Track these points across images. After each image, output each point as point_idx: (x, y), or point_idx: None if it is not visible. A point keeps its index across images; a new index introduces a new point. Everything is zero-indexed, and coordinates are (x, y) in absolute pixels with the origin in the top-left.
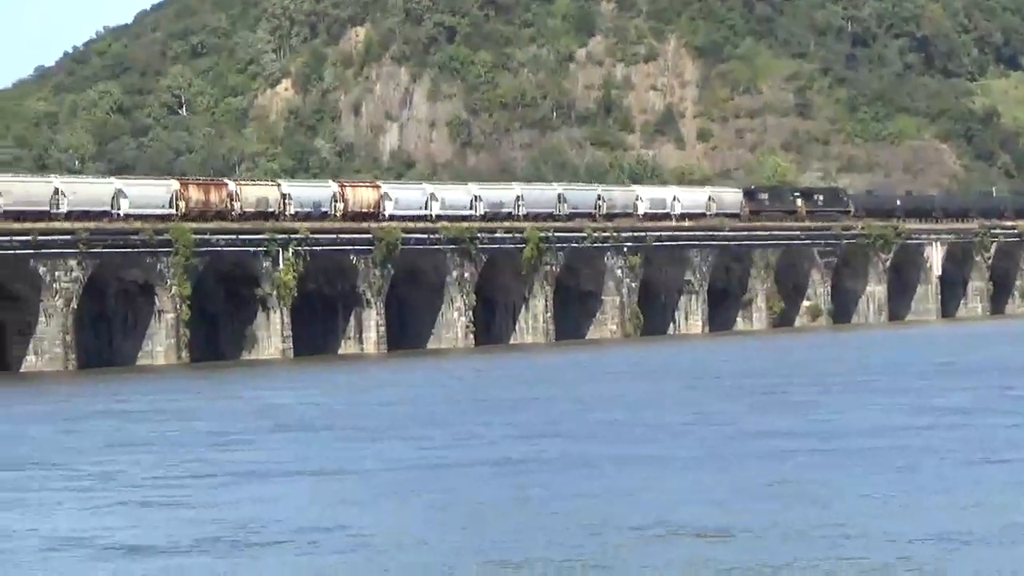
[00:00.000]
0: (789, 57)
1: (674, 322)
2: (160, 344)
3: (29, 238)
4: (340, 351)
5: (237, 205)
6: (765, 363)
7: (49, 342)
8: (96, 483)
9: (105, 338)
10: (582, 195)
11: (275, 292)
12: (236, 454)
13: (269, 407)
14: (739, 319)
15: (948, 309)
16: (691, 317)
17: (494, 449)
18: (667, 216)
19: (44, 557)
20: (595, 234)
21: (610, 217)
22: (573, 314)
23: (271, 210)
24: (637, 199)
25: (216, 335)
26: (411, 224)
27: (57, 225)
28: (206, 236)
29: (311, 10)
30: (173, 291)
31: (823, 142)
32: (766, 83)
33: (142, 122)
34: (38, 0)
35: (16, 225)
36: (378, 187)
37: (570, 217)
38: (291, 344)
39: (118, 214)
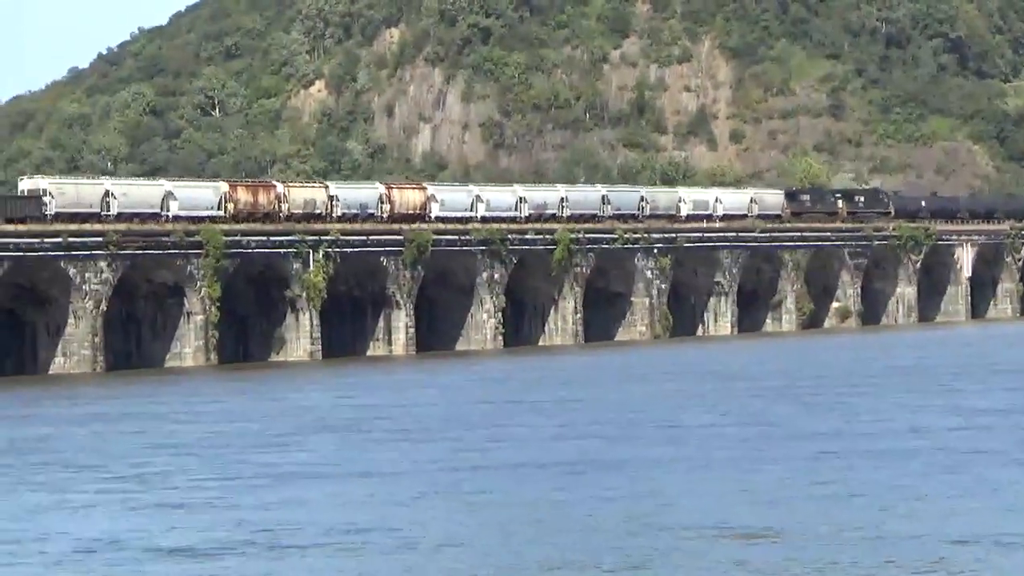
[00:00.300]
0: (823, 58)
1: (703, 323)
2: (189, 346)
3: (59, 240)
4: (369, 353)
5: (285, 207)
6: (798, 364)
7: (78, 344)
8: (139, 485)
9: (134, 340)
10: (625, 196)
11: (305, 294)
12: (277, 456)
13: (305, 408)
14: (768, 320)
15: (978, 310)
16: (720, 318)
17: (533, 451)
18: (706, 217)
19: (88, 559)
20: (625, 235)
21: (651, 218)
22: (602, 316)
23: (318, 212)
24: (680, 201)
25: (245, 337)
26: (457, 226)
27: (88, 227)
28: (236, 238)
29: (345, 11)
30: (203, 293)
31: (856, 143)
32: (799, 84)
33: (175, 124)
34: (72, 2)
35: (50, 227)
36: (424, 189)
37: (614, 219)
38: (320, 346)
39: (167, 216)
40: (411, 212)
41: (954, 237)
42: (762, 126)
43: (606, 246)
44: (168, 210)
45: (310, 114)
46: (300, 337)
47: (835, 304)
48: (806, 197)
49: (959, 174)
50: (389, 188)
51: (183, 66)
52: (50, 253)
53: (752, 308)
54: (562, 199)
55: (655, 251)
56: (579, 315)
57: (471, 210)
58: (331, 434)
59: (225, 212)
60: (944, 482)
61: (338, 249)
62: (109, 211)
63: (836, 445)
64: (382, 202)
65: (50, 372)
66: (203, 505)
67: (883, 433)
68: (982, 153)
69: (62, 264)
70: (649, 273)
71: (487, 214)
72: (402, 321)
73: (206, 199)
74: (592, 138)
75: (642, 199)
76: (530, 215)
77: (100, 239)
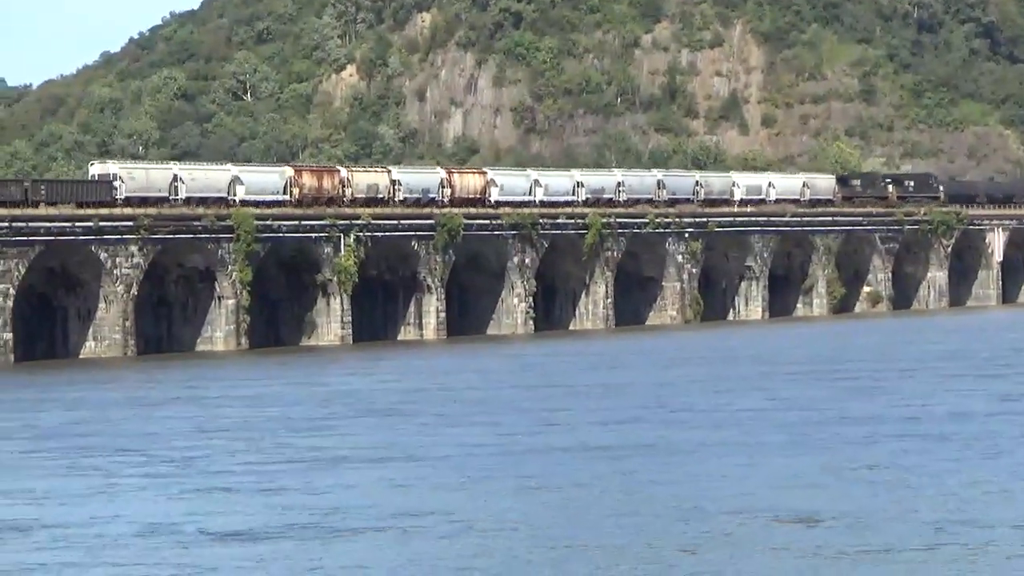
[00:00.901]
0: (854, 43)
1: (734, 308)
2: (219, 330)
3: (91, 224)
4: (399, 337)
5: (348, 191)
6: (833, 349)
7: (109, 328)
8: (188, 469)
9: (164, 324)
10: (681, 181)
11: (336, 278)
12: (321, 439)
13: (346, 392)
14: (799, 305)
15: (1009, 295)
16: (751, 303)
17: (580, 435)
18: (759, 202)
19: (146, 543)
20: (657, 220)
21: (709, 203)
22: (633, 300)
23: (381, 196)
24: (734, 185)
25: (276, 321)
26: (520, 210)
27: (118, 211)
28: (268, 222)
29: None
30: (234, 277)
31: (887, 128)
32: (831, 69)
33: (206, 108)
34: None
35: (80, 211)
36: (484, 174)
37: (669, 203)
38: (350, 330)
39: (234, 200)
40: (471, 196)
41: (985, 222)
42: (793, 111)
43: (637, 231)
44: (235, 194)
45: (341, 98)
46: (331, 321)
47: (866, 288)
48: (857, 182)
49: (990, 159)
50: (450, 173)
51: (214, 50)
52: (81, 237)
53: (783, 292)
54: (619, 184)
55: (686, 235)
56: (610, 299)
57: (529, 194)
58: (375, 418)
59: (290, 197)
60: (995, 467)
61: (369, 233)
62: (177, 195)
63: (883, 429)
64: (443, 186)
65: (81, 356)
66: (254, 489)
67: (929, 417)
68: (1014, 138)
69: (93, 248)
70: (680, 257)
71: (545, 198)
72: (433, 305)
73: (272, 184)
74: (623, 123)
75: (697, 183)
76: (587, 199)
77: (131, 223)
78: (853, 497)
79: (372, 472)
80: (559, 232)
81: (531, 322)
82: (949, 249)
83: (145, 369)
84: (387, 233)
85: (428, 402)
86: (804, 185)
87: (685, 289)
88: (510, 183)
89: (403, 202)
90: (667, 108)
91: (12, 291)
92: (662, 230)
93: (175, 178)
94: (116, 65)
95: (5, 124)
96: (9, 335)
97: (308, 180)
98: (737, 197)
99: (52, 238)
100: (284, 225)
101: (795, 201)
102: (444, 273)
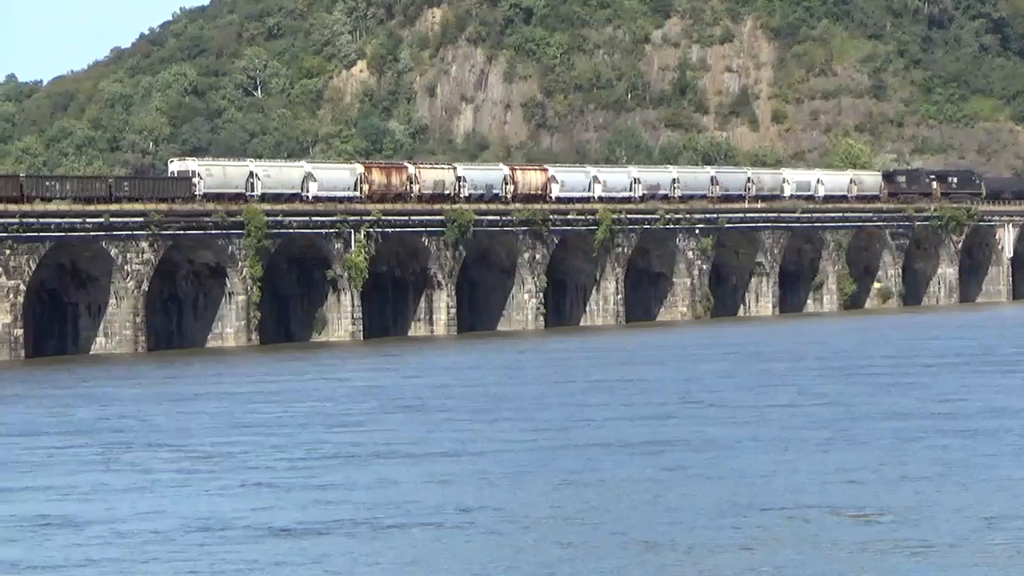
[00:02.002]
0: (864, 38)
1: (744, 304)
2: (230, 326)
3: (101, 220)
4: (410, 333)
5: (416, 187)
6: (854, 344)
7: (119, 324)
8: (227, 464)
9: (175, 320)
10: (733, 178)
11: (346, 274)
12: (355, 435)
13: (371, 388)
14: (810, 301)
15: (1019, 291)
16: (762, 299)
17: (613, 430)
18: (809, 198)
19: (195, 539)
20: (667, 216)
21: (759, 199)
22: (643, 296)
23: (447, 192)
24: (784, 181)
25: (286, 317)
26: (577, 205)
27: (128, 207)
28: (278, 218)
29: None
30: (244, 273)
31: (897, 124)
32: (841, 64)
33: (216, 104)
34: None
35: (89, 207)
36: (546, 170)
37: (722, 199)
38: (361, 326)
39: (307, 196)
40: (533, 192)
41: (996, 218)
42: (804, 106)
43: (648, 226)
44: (307, 191)
45: (352, 94)
46: (341, 317)
47: (876, 285)
48: (903, 179)
49: (1001, 155)
50: (513, 170)
51: (225, 46)
52: (92, 233)
53: (793, 289)
54: (673, 180)
55: (697, 231)
56: (620, 295)
57: (588, 190)
58: (405, 414)
59: (360, 193)
60: None
61: (379, 229)
62: (253, 191)
63: (921, 424)
64: (506, 183)
65: (91, 352)
66: (297, 484)
67: (965, 413)
68: None
69: (104, 244)
70: (691, 253)
71: (603, 194)
72: (444, 301)
73: (343, 180)
74: (633, 118)
75: (748, 180)
76: (643, 195)
77: (141, 219)
78: (901, 492)
79: (413, 468)
80: (569, 228)
81: (541, 318)
82: (959, 245)
83: (162, 365)
84: (397, 229)
85: (456, 397)
86: (852, 182)
87: (695, 285)
88: (570, 179)
89: (467, 199)
90: (677, 104)
91: (23, 287)
92: (672, 226)
93: (251, 175)
94: (126, 61)
95: (16, 120)
96: (20, 331)
97: (378, 176)
98: (787, 193)
99: (63, 234)
100: (295, 221)
101: (808, 197)
102: (454, 269)
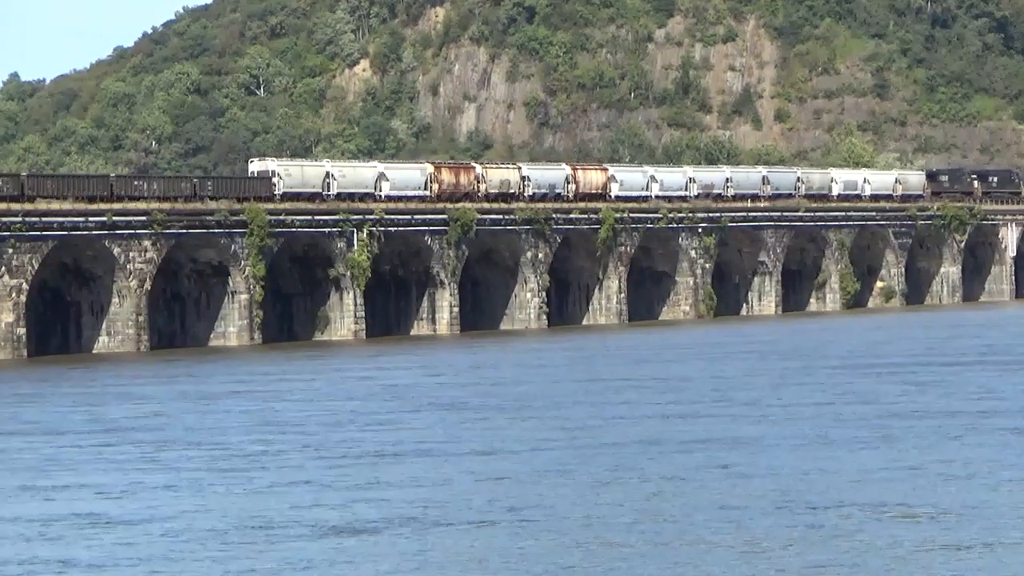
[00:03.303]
0: (867, 37)
1: (747, 303)
2: (233, 325)
3: (104, 218)
4: (413, 332)
5: (483, 187)
6: (868, 343)
7: (122, 323)
8: (263, 463)
9: (177, 319)
10: (783, 177)
11: (349, 273)
12: (384, 434)
13: (392, 387)
14: (812, 300)
15: (1022, 290)
16: (764, 298)
17: (646, 428)
18: (855, 197)
19: (243, 537)
20: (670, 215)
21: (812, 198)
22: (646, 295)
23: (512, 191)
24: (832, 181)
25: (289, 316)
26: (635, 204)
27: (131, 206)
28: (281, 217)
29: None
30: (247, 272)
31: (900, 123)
32: (844, 64)
33: (219, 103)
34: None
35: (91, 206)
36: (606, 170)
37: (772, 198)
38: (364, 325)
39: (380, 195)
40: (594, 192)
41: (999, 217)
42: (806, 105)
43: (651, 225)
44: (380, 190)
45: (355, 93)
46: (344, 316)
47: (879, 284)
48: (945, 178)
49: (1004, 154)
50: (574, 169)
51: (228, 45)
52: (94, 232)
53: (796, 288)
54: (727, 179)
55: (700, 230)
56: (623, 294)
57: (646, 189)
58: (432, 412)
59: (430, 192)
60: None
61: (382, 228)
62: (329, 191)
63: (957, 422)
64: (568, 182)
65: (94, 351)
66: (337, 483)
67: (999, 411)
68: None
69: (106, 243)
70: (693, 252)
71: (660, 193)
72: (446, 300)
73: (414, 180)
74: (636, 117)
75: (798, 179)
76: (698, 194)
77: (144, 218)
78: (947, 491)
79: (451, 466)
80: (572, 227)
81: (544, 317)
82: (962, 244)
83: (172, 363)
84: (400, 228)
85: (481, 396)
86: (896, 181)
87: (698, 284)
88: (629, 179)
89: (531, 197)
90: (680, 103)
91: (25, 286)
92: (675, 225)
93: (327, 175)
94: (129, 60)
95: (19, 119)
96: (23, 330)
97: (447, 176)
98: (835, 193)
99: (65, 233)
100: (297, 220)
101: (822, 196)
102: (457, 268)
